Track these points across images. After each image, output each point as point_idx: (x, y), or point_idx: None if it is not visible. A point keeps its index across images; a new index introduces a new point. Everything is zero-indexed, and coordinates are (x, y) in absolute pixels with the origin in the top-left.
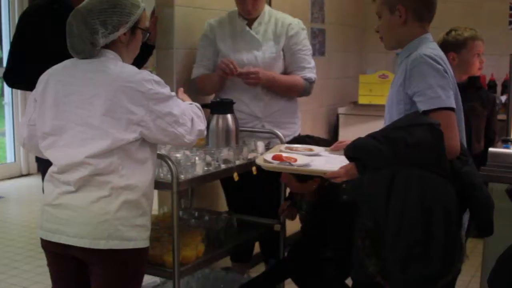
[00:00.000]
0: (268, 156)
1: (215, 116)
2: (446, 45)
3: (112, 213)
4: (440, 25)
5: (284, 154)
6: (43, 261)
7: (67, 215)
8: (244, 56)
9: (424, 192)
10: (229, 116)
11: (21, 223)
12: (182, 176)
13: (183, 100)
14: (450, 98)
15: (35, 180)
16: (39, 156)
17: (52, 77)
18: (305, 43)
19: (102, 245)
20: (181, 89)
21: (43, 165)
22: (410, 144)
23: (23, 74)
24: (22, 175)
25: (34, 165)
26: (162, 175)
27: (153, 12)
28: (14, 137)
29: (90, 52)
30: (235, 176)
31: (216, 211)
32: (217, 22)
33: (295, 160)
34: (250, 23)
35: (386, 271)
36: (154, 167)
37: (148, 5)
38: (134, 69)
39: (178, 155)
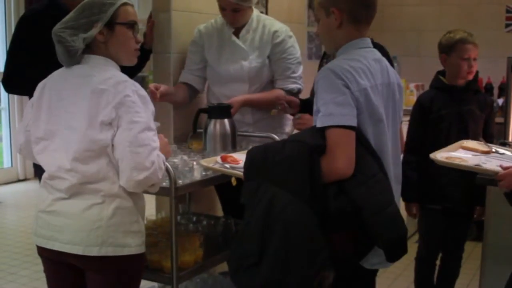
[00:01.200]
0: (218, 158)
1: (212, 121)
2: (440, 47)
3: (105, 220)
4: (436, 28)
5: (235, 155)
6: (40, 266)
7: (61, 222)
8: (231, 67)
9: (270, 209)
10: (226, 120)
11: (18, 228)
12: (180, 181)
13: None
14: (346, 115)
15: (32, 185)
16: (35, 162)
17: (48, 83)
18: (291, 51)
19: (96, 252)
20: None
21: (40, 170)
22: (276, 161)
23: (21, 79)
24: (19, 180)
25: (31, 170)
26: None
27: (150, 17)
28: (11, 142)
29: (70, 59)
30: (233, 181)
31: (214, 215)
32: (206, 30)
33: (237, 162)
34: (238, 31)
35: (229, 271)
36: None
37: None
38: (122, 76)
39: (175, 160)
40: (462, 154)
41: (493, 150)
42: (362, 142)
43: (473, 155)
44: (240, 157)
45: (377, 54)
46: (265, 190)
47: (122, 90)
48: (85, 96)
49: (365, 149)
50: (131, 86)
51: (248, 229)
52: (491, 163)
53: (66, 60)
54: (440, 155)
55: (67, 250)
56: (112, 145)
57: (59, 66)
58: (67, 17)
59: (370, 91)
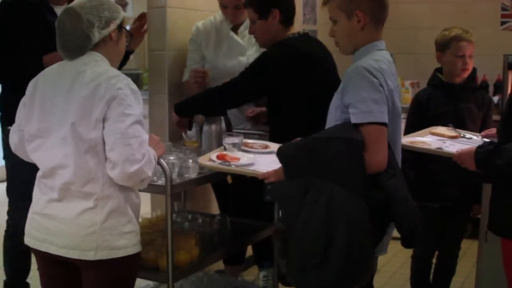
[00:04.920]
0: (213, 155)
1: (207, 118)
2: (435, 45)
3: (99, 224)
4: (432, 26)
5: (229, 153)
6: (34, 264)
7: (55, 226)
8: (228, 62)
9: (331, 206)
10: (221, 118)
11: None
12: (175, 179)
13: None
14: (383, 113)
15: None
16: (29, 161)
17: (40, 80)
18: None
19: (91, 256)
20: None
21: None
22: (326, 158)
23: None
24: None
25: None
26: (155, 178)
27: (139, 17)
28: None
29: (83, 47)
30: (229, 179)
31: (210, 213)
32: (204, 26)
33: (237, 159)
34: (236, 27)
35: (292, 274)
36: None
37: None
38: (115, 71)
39: (171, 157)
40: (429, 139)
41: (461, 135)
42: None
43: (438, 139)
44: (236, 154)
45: (389, 56)
46: (320, 188)
47: (115, 83)
48: (78, 93)
49: (388, 145)
50: (124, 80)
51: (309, 229)
52: (454, 147)
53: (74, 52)
54: (405, 140)
55: (62, 254)
56: (103, 142)
57: (35, 52)
58: (87, 3)
59: (393, 92)
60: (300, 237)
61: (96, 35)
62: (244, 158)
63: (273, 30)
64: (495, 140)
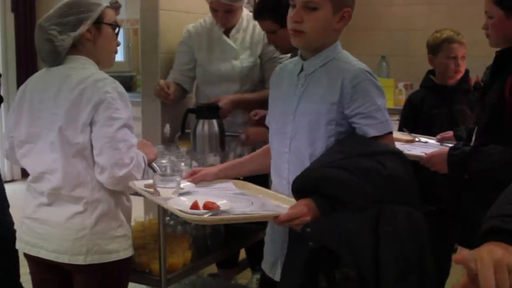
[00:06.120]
0: (183, 202)
1: (200, 121)
2: (427, 47)
3: (89, 228)
4: (425, 27)
5: (204, 200)
6: (26, 268)
7: (45, 230)
8: (222, 66)
9: (415, 231)
10: (214, 121)
11: None
12: None
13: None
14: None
15: (19, 186)
16: (21, 167)
17: (28, 86)
18: None
19: (81, 260)
20: (144, 140)
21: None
22: (386, 176)
23: None
24: (6, 181)
25: (18, 171)
26: None
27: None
28: None
29: (55, 57)
30: None
31: None
32: (195, 29)
33: (217, 206)
34: (228, 30)
35: None
36: None
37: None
38: (102, 74)
39: (163, 161)
40: None
41: (417, 139)
42: None
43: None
44: (217, 198)
45: None
46: (394, 214)
47: (102, 86)
48: (65, 97)
49: None
50: (111, 83)
51: (401, 263)
52: (416, 151)
53: (52, 59)
54: None
55: (52, 259)
56: (91, 146)
57: None
58: (50, 13)
59: None
60: (397, 275)
61: (65, 42)
62: (220, 200)
63: (288, 40)
64: (451, 144)
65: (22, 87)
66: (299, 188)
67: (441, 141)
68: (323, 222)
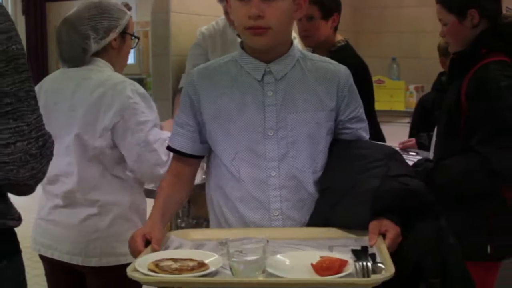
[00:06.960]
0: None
1: None
2: (438, 50)
3: (103, 230)
4: (435, 29)
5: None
6: (39, 270)
7: (59, 232)
8: None
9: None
10: None
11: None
12: None
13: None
14: None
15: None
16: None
17: (43, 87)
18: None
19: (94, 263)
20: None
21: None
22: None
23: None
24: None
25: None
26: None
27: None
28: None
29: (80, 59)
30: None
31: None
32: (209, 32)
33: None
34: None
35: None
36: (139, 182)
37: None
38: (120, 77)
39: None
40: None
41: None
42: None
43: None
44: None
45: None
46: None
47: (122, 90)
48: (82, 100)
49: None
50: (130, 86)
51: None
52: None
53: (74, 60)
54: None
55: (66, 260)
56: (110, 150)
57: None
58: (80, 13)
59: None
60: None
61: (93, 46)
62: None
63: (326, 33)
64: (414, 152)
65: (36, 87)
66: (377, 210)
67: (403, 149)
68: (412, 238)
